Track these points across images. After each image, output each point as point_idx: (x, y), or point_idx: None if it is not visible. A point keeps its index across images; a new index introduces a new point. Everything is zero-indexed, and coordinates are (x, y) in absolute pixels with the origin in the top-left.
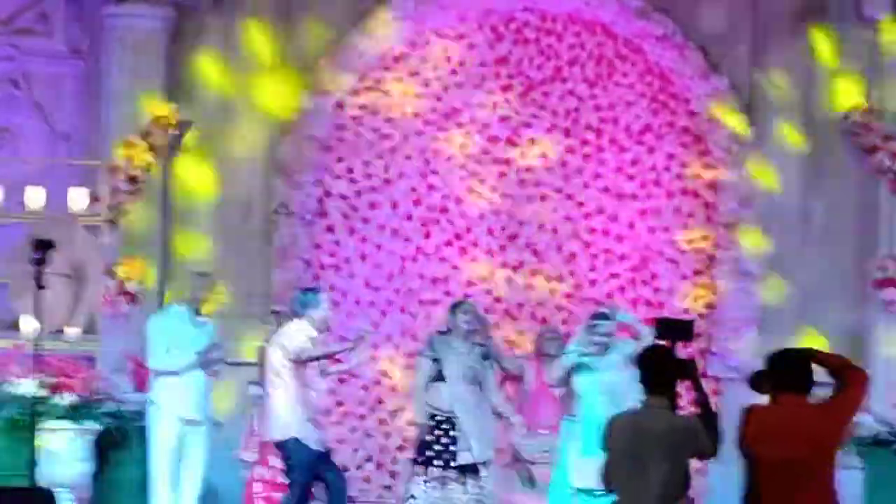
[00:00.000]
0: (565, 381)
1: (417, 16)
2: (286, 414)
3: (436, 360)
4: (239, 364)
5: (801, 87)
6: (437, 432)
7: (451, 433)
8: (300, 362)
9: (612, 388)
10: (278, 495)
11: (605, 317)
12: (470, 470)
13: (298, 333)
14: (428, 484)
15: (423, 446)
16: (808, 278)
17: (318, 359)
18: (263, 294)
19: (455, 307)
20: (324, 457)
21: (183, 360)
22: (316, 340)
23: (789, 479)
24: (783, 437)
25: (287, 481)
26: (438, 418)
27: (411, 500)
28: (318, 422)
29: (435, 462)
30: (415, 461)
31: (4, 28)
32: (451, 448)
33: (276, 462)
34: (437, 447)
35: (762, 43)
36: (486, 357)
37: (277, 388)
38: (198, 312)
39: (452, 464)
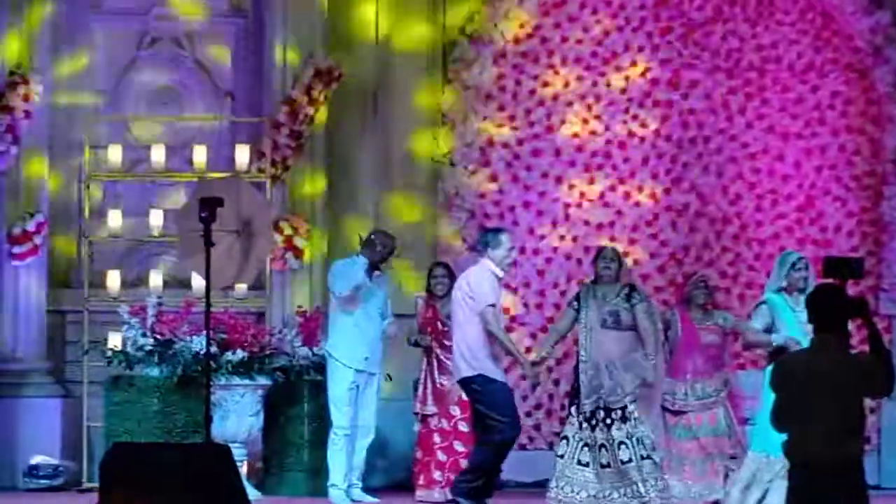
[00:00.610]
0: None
1: None
2: (474, 349)
3: (578, 310)
4: (405, 316)
5: None
6: (582, 376)
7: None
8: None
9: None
10: (459, 445)
11: (798, 256)
12: (616, 412)
13: (483, 282)
14: (578, 426)
15: (572, 389)
16: None
17: (494, 336)
18: (429, 245)
19: (596, 256)
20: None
21: (356, 279)
22: (499, 285)
23: None
24: None
25: (478, 425)
26: (581, 364)
27: (563, 441)
28: (499, 358)
29: (581, 405)
30: (569, 403)
31: None
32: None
33: (456, 411)
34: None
35: None
36: (630, 299)
37: (463, 325)
38: (376, 268)
39: (593, 407)
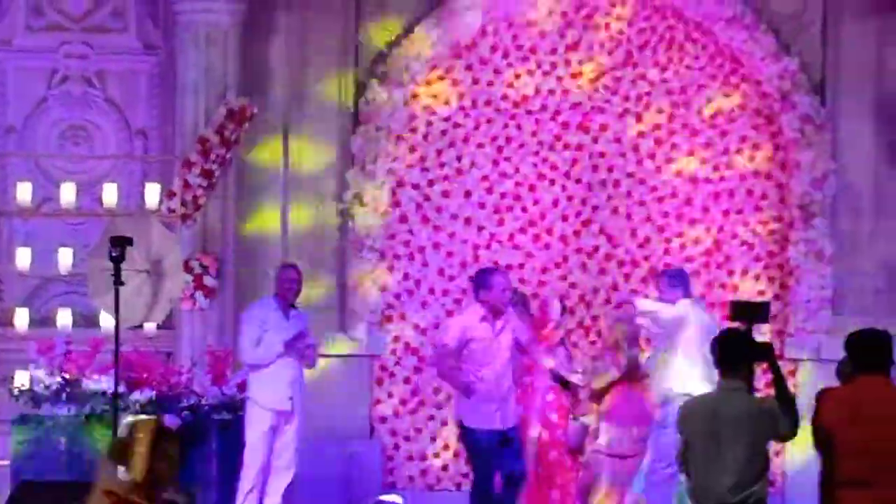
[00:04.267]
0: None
1: (488, 4)
2: None
3: None
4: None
5: (872, 66)
6: None
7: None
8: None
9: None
10: None
11: None
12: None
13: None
14: None
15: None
16: (883, 258)
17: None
18: (339, 286)
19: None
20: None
21: (271, 352)
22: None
23: (870, 463)
24: (865, 419)
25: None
26: None
27: None
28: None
29: None
30: None
31: (78, 26)
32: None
33: None
34: None
35: (833, 22)
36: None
37: None
38: (291, 305)
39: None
